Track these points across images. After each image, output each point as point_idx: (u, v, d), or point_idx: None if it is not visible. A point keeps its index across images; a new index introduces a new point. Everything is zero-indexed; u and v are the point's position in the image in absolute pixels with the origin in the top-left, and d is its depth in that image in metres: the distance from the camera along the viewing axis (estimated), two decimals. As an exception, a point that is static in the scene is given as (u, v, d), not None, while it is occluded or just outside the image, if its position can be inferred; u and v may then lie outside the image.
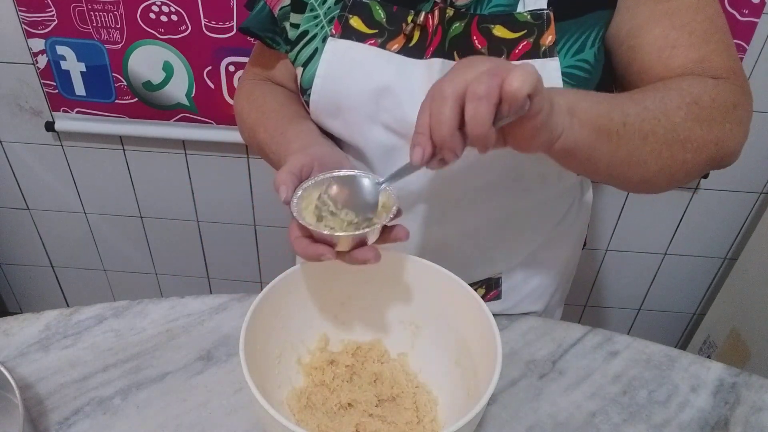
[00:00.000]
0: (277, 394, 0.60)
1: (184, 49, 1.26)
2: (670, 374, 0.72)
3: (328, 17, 0.65)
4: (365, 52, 0.64)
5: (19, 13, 1.23)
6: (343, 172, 0.57)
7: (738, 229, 1.49)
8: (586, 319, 1.72)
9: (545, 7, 0.59)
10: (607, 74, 0.64)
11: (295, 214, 0.53)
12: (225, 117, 1.34)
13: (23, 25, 1.25)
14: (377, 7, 0.64)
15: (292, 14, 0.68)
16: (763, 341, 1.29)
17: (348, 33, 0.64)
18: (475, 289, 0.67)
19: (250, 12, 0.71)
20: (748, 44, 1.18)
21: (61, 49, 1.27)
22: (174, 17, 1.21)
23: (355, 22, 0.64)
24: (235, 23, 1.21)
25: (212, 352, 0.72)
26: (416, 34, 0.63)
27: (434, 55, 0.62)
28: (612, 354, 0.74)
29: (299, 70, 0.68)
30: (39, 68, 1.31)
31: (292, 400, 0.61)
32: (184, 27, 1.23)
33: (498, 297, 0.80)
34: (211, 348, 0.73)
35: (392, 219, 0.54)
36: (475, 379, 0.57)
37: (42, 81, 1.33)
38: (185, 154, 1.44)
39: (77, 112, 1.36)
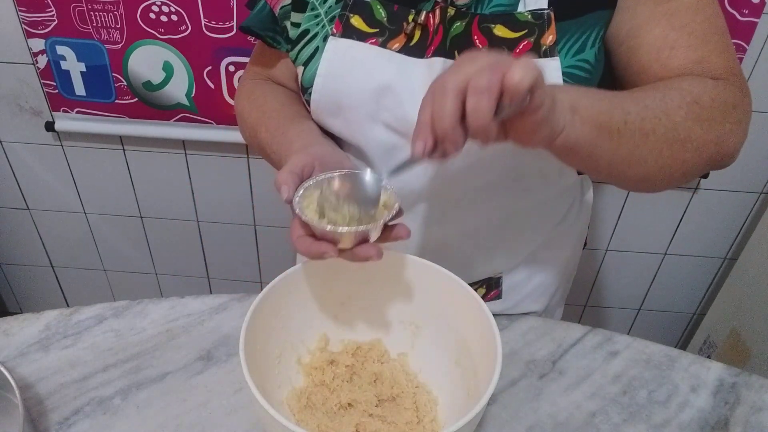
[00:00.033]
0: (277, 394, 0.60)
1: (184, 49, 1.26)
2: (670, 374, 0.72)
3: (329, 16, 0.65)
4: (366, 51, 0.64)
5: (19, 13, 1.23)
6: (345, 171, 0.57)
7: (738, 229, 1.49)
8: (586, 319, 1.72)
9: (546, 6, 0.59)
10: (608, 74, 0.64)
11: (297, 211, 0.53)
12: (225, 117, 1.34)
13: (23, 25, 1.25)
14: (378, 6, 0.64)
15: (292, 13, 0.68)
16: (763, 341, 1.29)
17: (349, 32, 0.64)
18: (476, 289, 0.67)
19: (251, 11, 0.71)
20: (748, 44, 1.18)
21: (61, 49, 1.27)
22: (174, 17, 1.21)
23: (356, 21, 0.64)
24: (235, 23, 1.21)
25: (212, 352, 0.72)
26: (417, 34, 0.63)
27: (435, 54, 0.62)
28: (612, 354, 0.74)
29: (300, 69, 0.68)
30: (39, 68, 1.31)
31: (292, 400, 0.61)
32: (184, 27, 1.23)
33: (498, 297, 0.80)
34: (211, 348, 0.73)
35: (394, 217, 0.54)
36: (475, 379, 0.57)
37: (42, 81, 1.33)
38: (185, 154, 1.44)
39: (77, 112, 1.36)
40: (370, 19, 0.64)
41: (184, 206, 1.54)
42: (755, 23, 1.16)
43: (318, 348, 0.66)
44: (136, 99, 1.33)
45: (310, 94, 0.66)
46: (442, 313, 0.63)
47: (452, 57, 0.62)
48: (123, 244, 1.64)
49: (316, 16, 0.66)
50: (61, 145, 1.45)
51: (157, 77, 1.30)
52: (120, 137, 1.42)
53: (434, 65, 0.62)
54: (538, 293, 0.83)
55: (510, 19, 0.60)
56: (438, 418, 0.61)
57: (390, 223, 0.55)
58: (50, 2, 1.21)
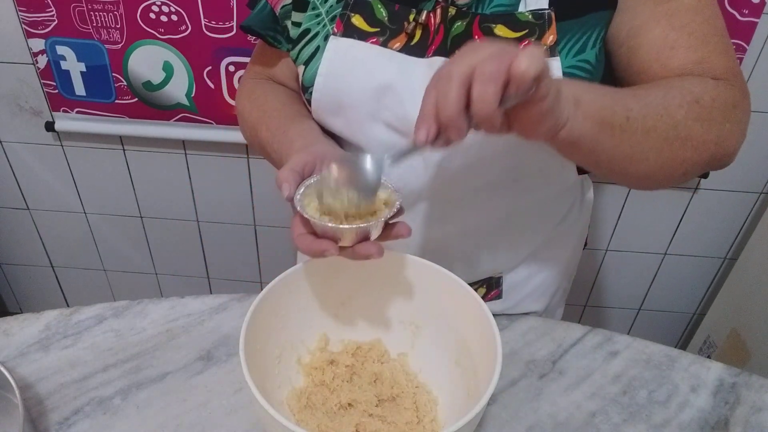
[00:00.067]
0: (277, 394, 0.60)
1: (184, 49, 1.26)
2: (670, 374, 0.72)
3: (330, 15, 0.65)
4: (367, 51, 0.64)
5: (19, 13, 1.23)
6: (345, 155, 0.56)
7: (738, 229, 1.49)
8: (586, 319, 1.72)
9: (546, 7, 0.59)
10: (608, 75, 0.64)
11: (299, 208, 0.53)
12: (225, 117, 1.34)
13: (23, 25, 1.25)
14: (379, 6, 0.64)
15: (293, 12, 0.68)
16: (763, 341, 1.29)
17: (350, 31, 0.64)
18: (476, 289, 0.67)
19: (252, 10, 0.72)
20: (748, 44, 1.18)
21: (61, 49, 1.27)
22: (174, 17, 1.21)
23: (357, 20, 0.64)
24: (235, 23, 1.21)
25: (212, 352, 0.72)
26: (418, 33, 0.63)
27: (436, 53, 0.62)
28: (612, 354, 0.74)
29: (301, 69, 0.68)
30: (39, 68, 1.31)
31: (292, 400, 0.61)
32: (184, 27, 1.23)
33: (499, 296, 0.80)
34: (211, 348, 0.73)
35: (395, 215, 0.54)
36: (475, 379, 0.57)
37: (42, 81, 1.33)
38: (185, 154, 1.44)
39: (77, 112, 1.36)
40: (371, 18, 0.64)
41: (184, 206, 1.54)
42: (755, 23, 1.16)
43: (318, 348, 0.66)
44: (136, 99, 1.33)
45: (311, 93, 0.66)
46: (442, 313, 0.63)
47: (453, 57, 0.62)
48: (123, 244, 1.64)
49: (317, 15, 0.66)
50: (61, 145, 1.45)
51: (157, 77, 1.30)
52: (120, 137, 1.42)
53: (435, 65, 0.62)
54: (539, 293, 0.83)
55: (511, 19, 0.60)
56: (438, 418, 0.61)
57: (391, 221, 0.55)
58: (50, 2, 1.21)
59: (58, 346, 0.72)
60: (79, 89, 1.33)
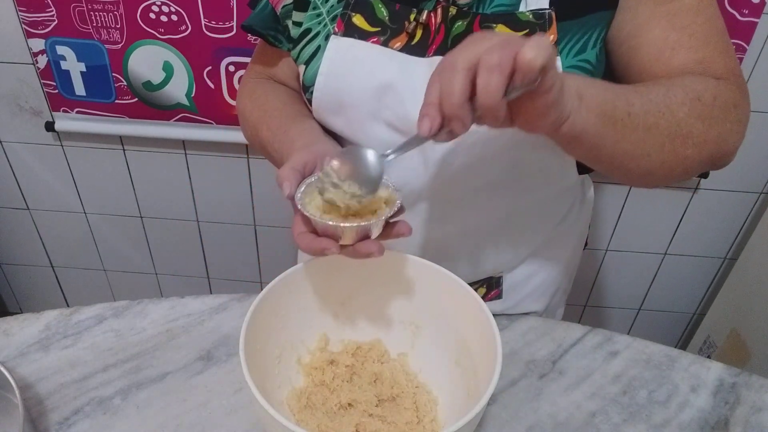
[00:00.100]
0: (277, 394, 0.60)
1: (184, 49, 1.26)
2: (670, 374, 0.72)
3: (331, 15, 0.65)
4: (368, 50, 0.64)
5: (19, 13, 1.23)
6: (347, 148, 0.55)
7: (738, 229, 1.49)
8: (586, 319, 1.72)
9: (547, 6, 0.59)
10: (609, 75, 0.64)
11: (299, 206, 0.53)
12: (225, 117, 1.34)
13: (23, 25, 1.25)
14: (380, 5, 0.64)
15: (294, 12, 0.68)
16: (763, 341, 1.29)
17: (351, 31, 0.64)
18: (476, 289, 0.67)
19: (253, 10, 0.72)
20: (748, 44, 1.18)
21: (61, 49, 1.27)
22: (174, 17, 1.21)
23: (358, 20, 0.64)
24: (235, 23, 1.21)
25: (212, 352, 0.72)
26: (419, 33, 0.63)
27: (437, 53, 0.62)
28: (612, 354, 0.74)
29: (302, 68, 0.68)
30: (39, 68, 1.31)
31: (292, 400, 0.61)
32: (184, 27, 1.23)
33: (499, 296, 0.80)
34: (211, 348, 0.73)
35: (395, 214, 0.54)
36: (475, 379, 0.57)
37: (42, 81, 1.33)
38: (185, 154, 1.44)
39: (77, 112, 1.36)
40: (371, 18, 0.64)
41: (184, 206, 1.54)
42: (755, 23, 1.16)
43: (318, 348, 0.66)
44: (136, 99, 1.33)
45: (312, 92, 0.66)
46: (442, 313, 0.63)
47: (453, 56, 0.62)
48: (123, 244, 1.64)
49: (318, 15, 0.66)
50: (61, 145, 1.45)
51: (157, 77, 1.30)
52: (120, 137, 1.42)
53: (435, 64, 0.61)
54: (539, 293, 0.83)
55: (511, 18, 0.60)
56: (438, 418, 0.61)
57: (391, 220, 0.55)
58: (50, 2, 1.21)
59: (58, 346, 0.72)
60: (79, 89, 1.33)
